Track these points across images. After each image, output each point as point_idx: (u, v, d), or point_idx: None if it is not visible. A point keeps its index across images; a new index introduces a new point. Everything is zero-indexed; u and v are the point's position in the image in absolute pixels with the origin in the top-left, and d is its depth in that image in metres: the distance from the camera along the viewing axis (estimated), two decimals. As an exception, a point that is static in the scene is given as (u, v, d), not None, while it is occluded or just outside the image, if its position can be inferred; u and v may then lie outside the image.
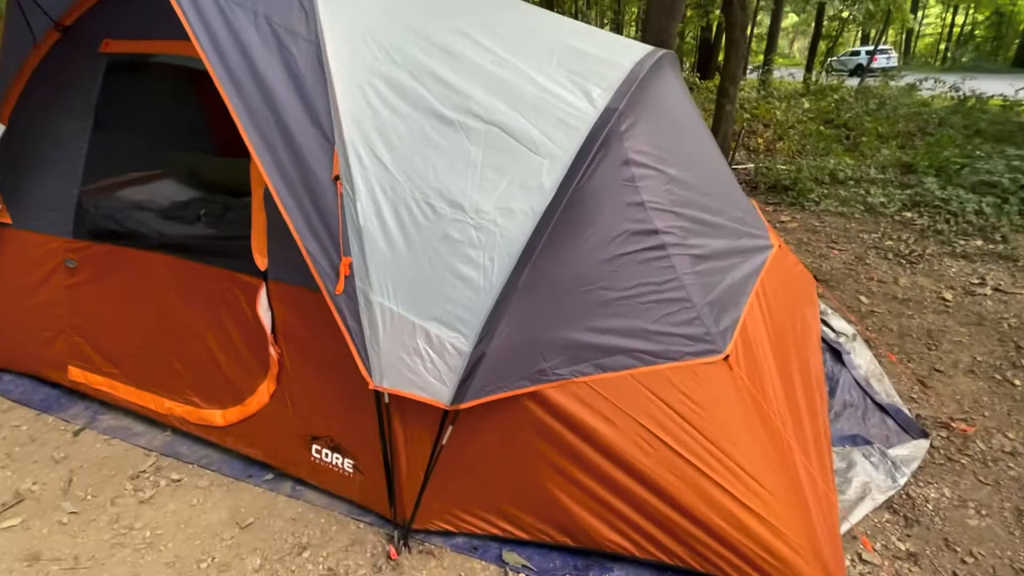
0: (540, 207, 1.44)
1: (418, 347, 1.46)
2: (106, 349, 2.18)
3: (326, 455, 1.76)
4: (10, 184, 2.20)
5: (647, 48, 1.88)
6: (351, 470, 1.72)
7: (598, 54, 1.75)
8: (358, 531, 1.70)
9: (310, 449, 1.79)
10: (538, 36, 1.82)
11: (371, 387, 1.50)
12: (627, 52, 1.80)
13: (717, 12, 12.37)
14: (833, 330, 2.61)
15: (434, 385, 1.46)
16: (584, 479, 1.48)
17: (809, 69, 14.60)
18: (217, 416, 1.96)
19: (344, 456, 1.73)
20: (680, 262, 1.56)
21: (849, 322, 2.69)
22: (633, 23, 22.84)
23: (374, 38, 1.62)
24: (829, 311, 2.75)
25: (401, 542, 1.62)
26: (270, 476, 1.90)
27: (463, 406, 1.41)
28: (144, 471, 1.95)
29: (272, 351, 1.77)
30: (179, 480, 1.90)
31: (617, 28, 21.09)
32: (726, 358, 1.52)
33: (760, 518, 1.43)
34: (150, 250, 1.98)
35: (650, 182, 1.58)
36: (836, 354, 2.46)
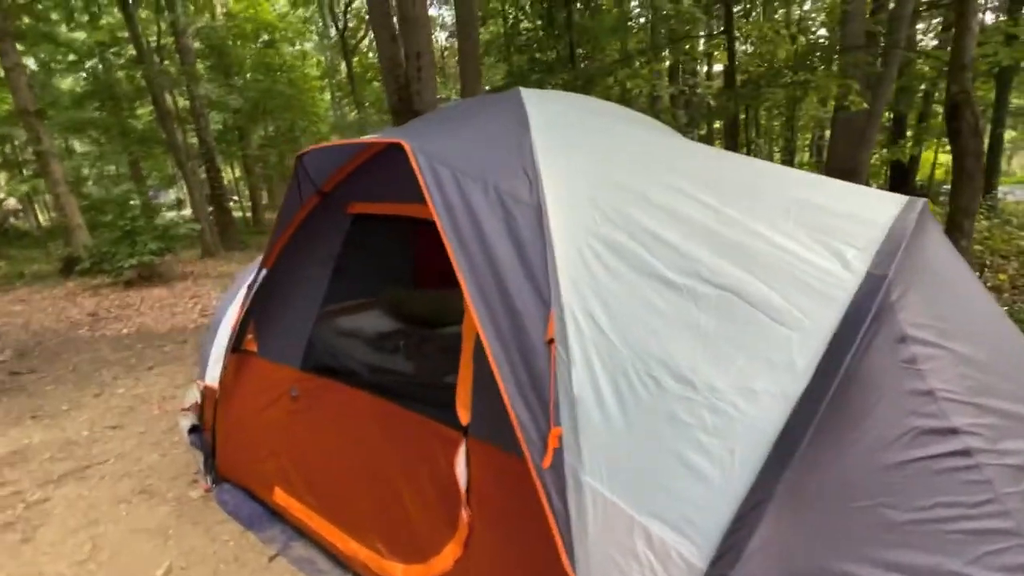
0: (793, 391, 1.19)
1: (635, 548, 1.23)
2: (308, 478, 2.29)
3: (509, 648, 1.54)
4: (261, 319, 2.58)
5: (899, 199, 1.62)
6: (538, 675, 1.46)
7: (840, 208, 1.54)
8: None
9: (492, 635, 1.58)
10: (762, 188, 1.68)
11: (573, 585, 1.28)
12: (877, 205, 1.56)
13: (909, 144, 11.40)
14: None
15: (653, 600, 1.20)
16: None
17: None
18: (398, 570, 1.87)
19: (531, 655, 1.48)
20: (997, 475, 1.15)
21: None
22: (806, 148, 22.06)
23: (592, 200, 1.62)
24: None
25: None
26: (444, 656, 1.71)
27: (695, 644, 1.12)
28: (322, 619, 1.90)
29: (463, 513, 1.66)
30: (353, 639, 1.80)
31: (790, 154, 20.50)
32: (1097, 635, 1.03)
33: None
34: (358, 387, 2.10)
35: (937, 363, 1.25)
36: None
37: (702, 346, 1.32)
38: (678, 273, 1.42)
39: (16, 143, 14.81)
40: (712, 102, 11.45)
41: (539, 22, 11.49)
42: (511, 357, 1.45)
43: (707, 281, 1.39)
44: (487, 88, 10.67)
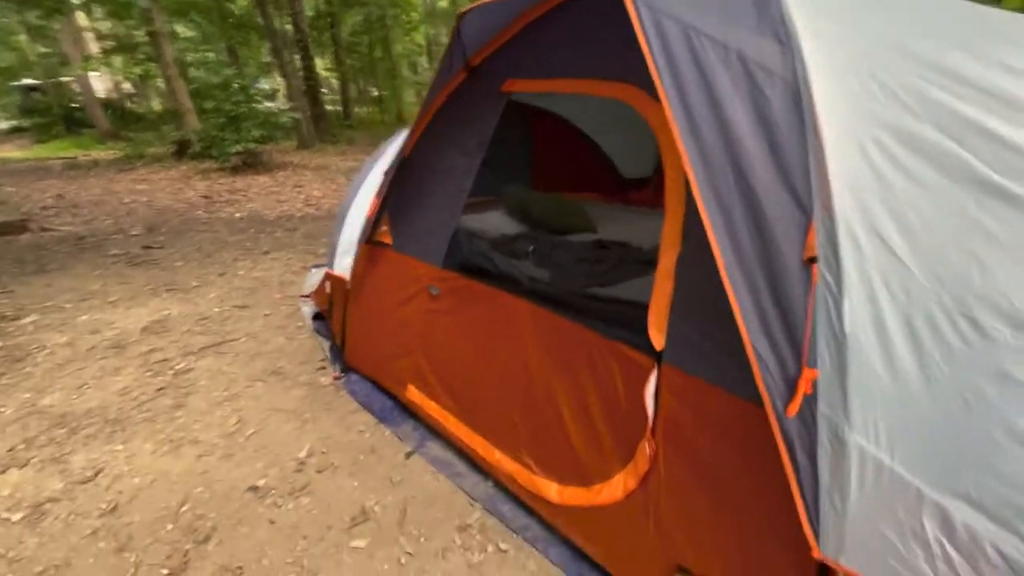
0: None
1: (923, 532, 0.97)
2: (447, 379, 2.19)
3: (695, 596, 1.38)
4: (396, 210, 2.40)
5: None
6: (733, 633, 1.30)
7: None
8: None
9: (671, 578, 1.43)
10: None
11: (816, 556, 1.06)
12: None
13: None
14: None
15: (945, 598, 0.95)
16: None
17: None
18: (552, 490, 1.74)
19: (727, 611, 1.32)
20: None
21: None
22: None
23: (875, 77, 1.20)
24: None
25: None
26: (605, 584, 1.60)
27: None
28: (470, 524, 1.84)
29: (646, 446, 1.46)
30: (506, 551, 1.73)
31: None
32: None
33: None
34: (517, 295, 1.89)
35: None
36: None
37: (1056, 284, 0.95)
38: (1019, 181, 1.02)
39: (130, 24, 15.25)
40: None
41: None
42: (751, 274, 1.14)
43: (1064, 192, 0.99)
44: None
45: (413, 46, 21.16)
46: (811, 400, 1.07)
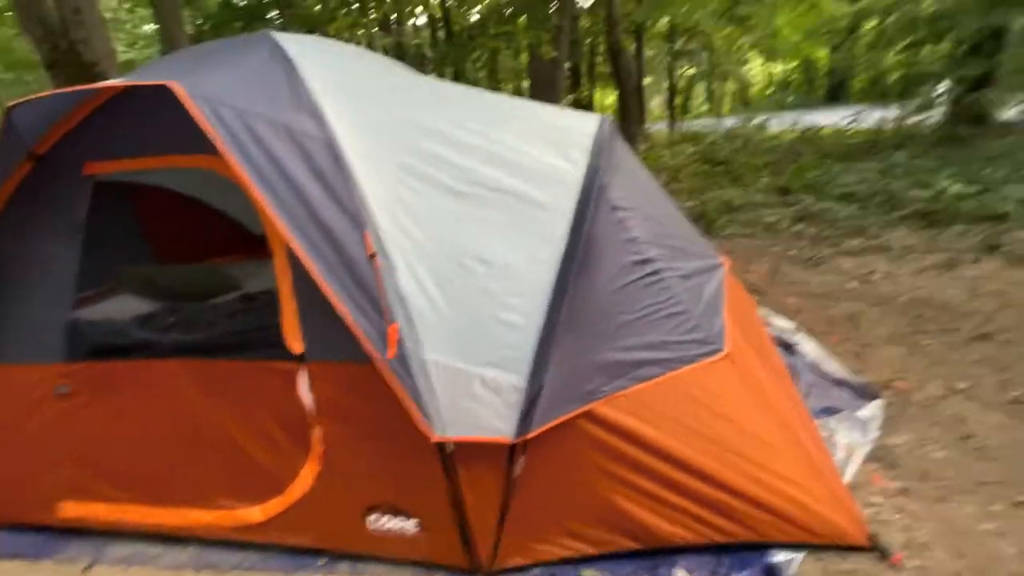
0: (557, 255, 1.69)
1: (476, 393, 1.61)
2: (112, 473, 2.07)
3: (385, 522, 1.80)
4: (-18, 319, 2.10)
5: (595, 116, 2.26)
6: (415, 529, 1.77)
7: (562, 123, 2.10)
8: (432, 589, 1.74)
9: (365, 521, 1.82)
10: (508, 113, 2.14)
11: (434, 440, 1.61)
12: (583, 120, 2.16)
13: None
14: (777, 328, 3.04)
15: (496, 424, 1.61)
16: (639, 480, 1.66)
17: (672, 121, 16.69)
18: (255, 512, 1.92)
19: (407, 518, 1.78)
20: (672, 283, 1.85)
21: (788, 320, 3.15)
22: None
23: (379, 130, 1.85)
24: (770, 313, 3.20)
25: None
26: (323, 561, 1.88)
27: (531, 435, 1.56)
28: (183, 590, 1.85)
29: (316, 432, 1.81)
30: (225, 589, 1.83)
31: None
32: (728, 355, 1.81)
33: (790, 481, 1.68)
34: (162, 358, 1.97)
35: (634, 221, 1.89)
36: (787, 347, 2.87)
37: (494, 235, 1.73)
38: (465, 184, 1.78)
39: None
40: (429, 53, 12.00)
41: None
42: (339, 275, 1.63)
43: (487, 187, 1.79)
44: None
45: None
46: (400, 343, 1.61)
